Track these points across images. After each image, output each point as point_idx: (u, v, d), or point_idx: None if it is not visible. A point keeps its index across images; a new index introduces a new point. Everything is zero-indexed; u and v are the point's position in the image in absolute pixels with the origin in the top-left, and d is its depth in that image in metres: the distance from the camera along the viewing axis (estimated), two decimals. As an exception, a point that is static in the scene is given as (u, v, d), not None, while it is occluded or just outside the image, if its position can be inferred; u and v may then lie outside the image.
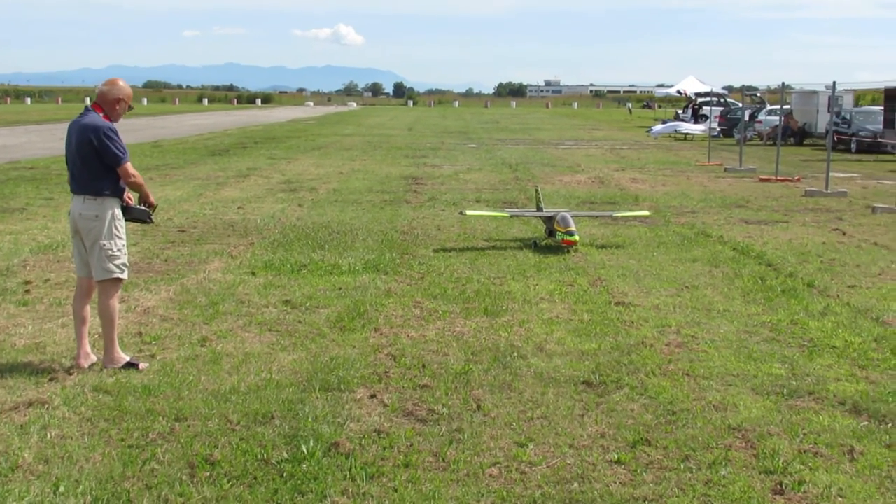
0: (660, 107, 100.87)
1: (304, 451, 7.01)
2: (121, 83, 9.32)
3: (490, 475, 6.74)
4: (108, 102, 9.20)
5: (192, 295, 12.22)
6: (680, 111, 71.27)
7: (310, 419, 7.71)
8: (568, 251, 15.53)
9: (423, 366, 9.29)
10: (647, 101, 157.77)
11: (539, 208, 17.57)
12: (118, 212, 9.18)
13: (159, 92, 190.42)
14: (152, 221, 9.72)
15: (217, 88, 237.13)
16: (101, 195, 9.04)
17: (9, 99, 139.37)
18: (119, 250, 9.16)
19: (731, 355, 9.73)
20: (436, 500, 6.36)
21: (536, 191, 18.60)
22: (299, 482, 6.56)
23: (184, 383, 8.65)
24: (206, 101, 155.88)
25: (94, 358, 9.29)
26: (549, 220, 16.43)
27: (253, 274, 13.61)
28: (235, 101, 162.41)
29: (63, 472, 6.71)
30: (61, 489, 6.43)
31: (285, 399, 8.21)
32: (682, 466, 6.86)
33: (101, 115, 9.13)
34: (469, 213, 18.16)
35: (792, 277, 13.63)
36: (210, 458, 6.93)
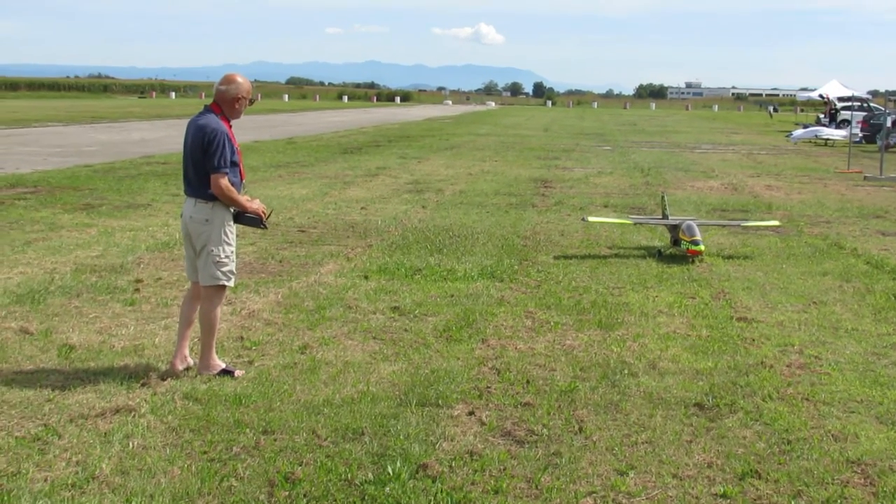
0: (802, 111, 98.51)
1: (391, 471, 6.69)
2: (239, 79, 9.03)
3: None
4: (227, 102, 8.96)
5: (300, 298, 12.01)
6: (821, 115, 69.33)
7: (401, 437, 7.39)
8: (693, 261, 14.96)
9: (528, 381, 8.90)
10: (763, 103, 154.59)
11: (665, 216, 17.01)
12: (229, 217, 8.95)
13: (301, 88, 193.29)
14: (266, 227, 9.35)
15: (358, 86, 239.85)
16: (213, 199, 8.83)
17: (154, 93, 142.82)
18: (227, 257, 8.94)
19: (855, 379, 9.13)
20: (523, 531, 5.98)
21: (662, 198, 18.03)
22: (380, 507, 6.24)
23: (277, 393, 8.41)
24: (346, 98, 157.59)
25: (190, 362, 9.12)
26: (674, 229, 15.86)
27: (366, 278, 13.36)
28: (375, 98, 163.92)
29: (139, 485, 6.49)
30: (133, 504, 6.22)
31: (379, 413, 7.89)
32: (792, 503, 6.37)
33: (220, 115, 8.90)
34: (592, 219, 17.61)
35: (929, 295, 12.89)
36: (291, 476, 6.65)
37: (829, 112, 67.45)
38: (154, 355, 9.51)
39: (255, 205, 9.06)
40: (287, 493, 6.44)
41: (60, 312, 11.12)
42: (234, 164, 8.85)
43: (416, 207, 21.49)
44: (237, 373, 8.92)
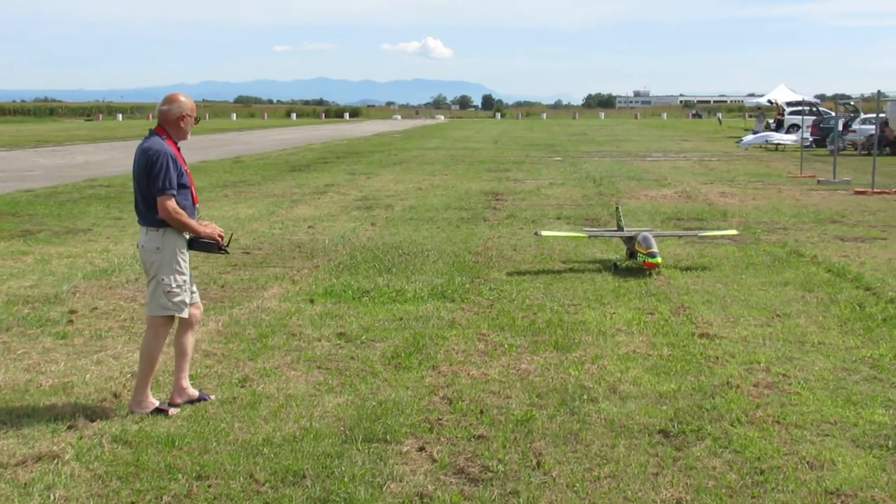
0: (751, 116, 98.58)
1: (333, 521, 6.13)
2: (181, 98, 8.55)
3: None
4: (171, 122, 8.47)
5: (241, 326, 11.42)
6: (770, 121, 69.38)
7: (345, 479, 6.83)
8: (650, 274, 14.49)
9: (482, 411, 8.36)
10: (695, 110, 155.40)
11: (620, 227, 16.53)
12: (182, 244, 8.45)
13: (248, 107, 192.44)
14: (225, 252, 8.86)
15: (307, 103, 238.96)
16: (163, 226, 8.34)
17: (101, 115, 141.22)
18: (179, 286, 8.41)
19: (827, 398, 8.65)
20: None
21: (617, 209, 17.53)
22: (322, 562, 5.68)
23: (214, 433, 7.83)
24: (294, 115, 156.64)
25: (192, 393, 8.68)
26: (629, 241, 15.39)
27: (311, 302, 12.80)
28: (323, 115, 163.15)
29: (58, 545, 5.90)
30: (54, 566, 5.63)
31: (322, 453, 7.32)
32: (770, 543, 5.87)
33: (165, 137, 8.42)
34: (545, 233, 17.08)
35: (893, 304, 12.46)
36: (226, 529, 6.08)
37: (777, 119, 67.62)
38: (84, 394, 8.90)
39: (210, 229, 8.59)
40: (220, 548, 5.87)
41: (-14, 349, 10.48)
42: (184, 187, 8.36)
43: (365, 225, 20.94)
44: (171, 411, 8.34)
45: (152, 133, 8.46)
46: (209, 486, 6.76)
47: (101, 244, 18.07)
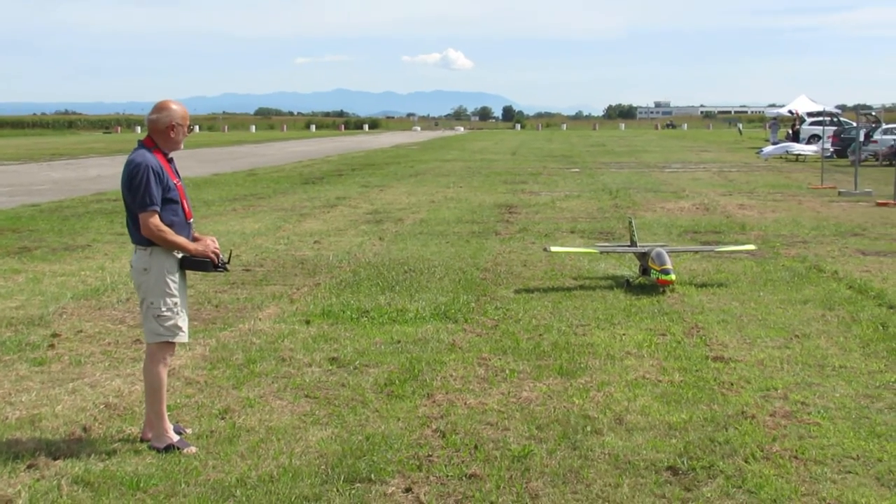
0: (768, 126, 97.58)
1: (302, 578, 5.52)
2: (172, 105, 7.93)
3: None
4: (160, 132, 7.87)
5: (228, 351, 10.84)
6: (790, 130, 68.60)
7: (321, 527, 6.23)
8: (663, 291, 13.84)
9: (476, 446, 7.75)
10: (731, 120, 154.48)
11: (633, 242, 15.88)
12: (173, 265, 7.84)
13: (268, 119, 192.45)
14: (224, 270, 8.18)
15: (327, 114, 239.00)
16: (150, 245, 7.77)
17: (119, 128, 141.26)
18: (170, 310, 7.80)
19: (848, 429, 8.01)
20: None
21: (630, 223, 16.85)
22: None
23: (184, 472, 7.24)
24: (313, 127, 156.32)
25: (173, 432, 8.01)
26: (643, 257, 14.76)
27: (307, 323, 12.22)
28: (343, 126, 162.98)
29: None
30: None
31: (298, 496, 6.73)
32: None
33: (153, 149, 7.83)
34: (554, 249, 16.48)
35: (920, 323, 11.81)
36: (183, 587, 5.48)
37: (793, 129, 66.92)
38: (52, 427, 8.32)
39: (202, 246, 7.95)
40: None
41: (-42, 377, 9.93)
42: (172, 202, 7.78)
43: (373, 239, 20.38)
44: (187, 450, 7.73)
45: (140, 145, 7.89)
46: (171, 536, 6.17)
47: (98, 261, 17.56)
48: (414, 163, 52.44)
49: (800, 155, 52.96)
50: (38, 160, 57.92)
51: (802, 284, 14.47)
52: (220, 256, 8.06)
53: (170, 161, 7.94)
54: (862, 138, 41.54)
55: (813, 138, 59.06)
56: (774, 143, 60.57)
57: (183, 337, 7.96)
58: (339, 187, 34.92)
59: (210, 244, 8.00)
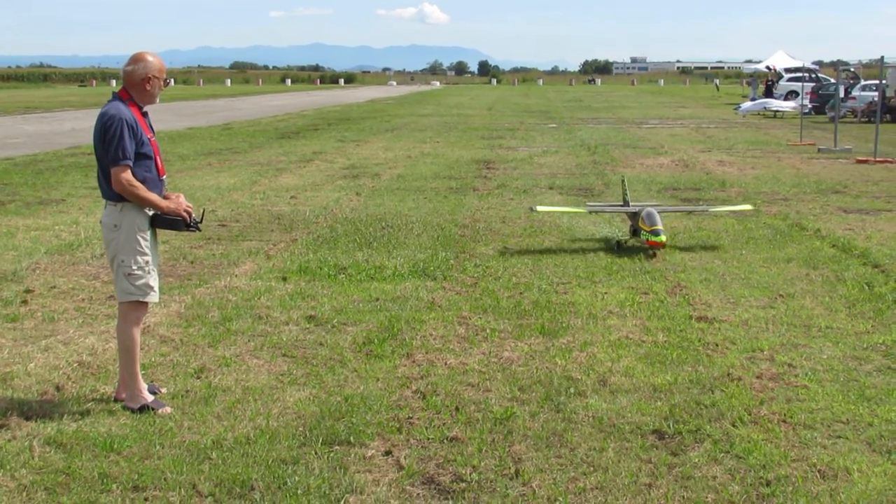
0: (748, 83, 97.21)
1: (279, 545, 5.35)
2: (149, 57, 7.65)
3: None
4: (136, 84, 7.59)
5: (204, 308, 10.62)
6: (765, 86, 68.44)
7: (298, 491, 6.05)
8: (653, 254, 13.56)
9: (458, 408, 7.58)
10: (708, 76, 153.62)
11: (625, 202, 15.54)
12: (144, 222, 7.57)
13: (244, 73, 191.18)
14: (196, 230, 7.89)
15: (302, 68, 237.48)
16: (121, 201, 7.49)
17: (94, 81, 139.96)
18: (140, 268, 7.54)
19: (837, 392, 7.86)
20: None
21: (623, 181, 16.53)
22: None
23: (159, 433, 7.05)
24: (289, 81, 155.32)
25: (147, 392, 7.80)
26: (633, 217, 14.40)
27: (284, 280, 12.01)
28: (318, 81, 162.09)
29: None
30: None
31: (276, 458, 6.54)
32: (779, 574, 5.09)
33: (128, 101, 7.55)
34: (541, 209, 15.90)
35: (904, 283, 11.68)
36: (157, 554, 5.30)
37: (766, 84, 66.83)
38: (24, 386, 8.11)
39: (174, 203, 7.68)
40: (148, 577, 5.10)
41: (-74, 334, 9.69)
42: (146, 157, 7.51)
43: (350, 195, 20.13)
44: (161, 410, 7.53)
45: (115, 97, 7.63)
46: (145, 500, 6.00)
47: (72, 216, 17.27)
48: (390, 118, 52.04)
49: (778, 111, 52.83)
50: (12, 113, 57.18)
51: (785, 243, 14.34)
52: (193, 215, 7.80)
53: (144, 115, 7.69)
54: (841, 94, 41.35)
55: (791, 94, 58.92)
56: (753, 100, 60.40)
57: (154, 297, 7.71)
58: (315, 142, 34.58)
59: (182, 202, 7.75)
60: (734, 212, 16.75)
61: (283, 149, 31.67)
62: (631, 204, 15.29)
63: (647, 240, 13.53)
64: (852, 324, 9.96)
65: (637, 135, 38.03)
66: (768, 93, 63.93)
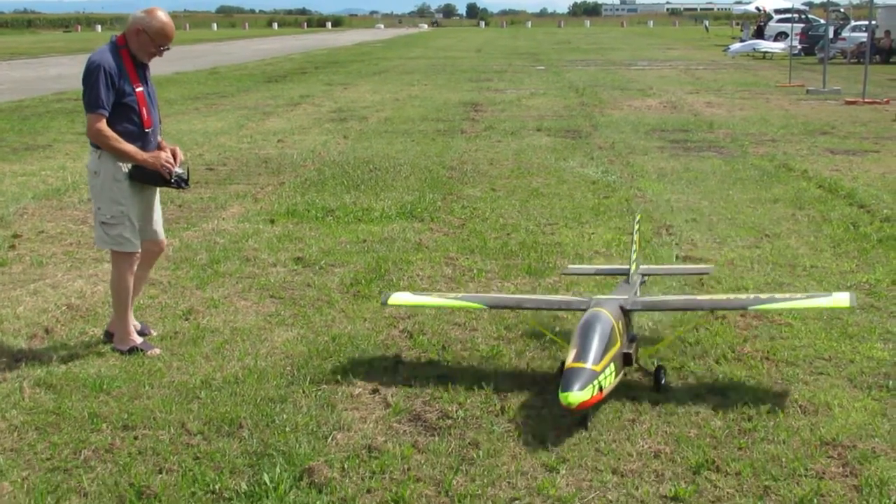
0: (737, 24, 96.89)
1: (268, 480, 5.41)
2: (158, 14, 7.39)
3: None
4: (130, 31, 7.40)
5: (192, 251, 10.65)
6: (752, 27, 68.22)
7: (287, 428, 6.11)
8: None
9: (444, 347, 7.66)
10: (698, 17, 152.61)
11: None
12: (121, 172, 7.42)
13: (230, 17, 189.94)
14: (177, 186, 7.63)
15: (290, 12, 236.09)
16: (100, 149, 7.40)
17: (79, 27, 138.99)
18: (114, 217, 7.43)
19: (820, 330, 7.93)
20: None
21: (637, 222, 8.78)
22: (250, 532, 4.98)
23: (148, 374, 7.11)
24: (276, 25, 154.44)
25: (133, 325, 7.84)
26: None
27: (271, 222, 12.05)
28: (306, 24, 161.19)
29: (-45, 511, 5.21)
30: (-55, 538, 4.94)
31: (264, 397, 6.60)
32: (759, 506, 5.17)
33: (122, 47, 7.39)
34: (392, 303, 7.82)
35: (889, 223, 11.72)
36: (146, 491, 5.38)
37: (757, 25, 66.58)
38: (13, 329, 8.17)
39: (153, 157, 7.43)
40: (138, 513, 5.18)
41: (-86, 278, 9.72)
42: (127, 108, 7.34)
43: (337, 138, 20.13)
44: (151, 352, 7.58)
45: (111, 41, 7.50)
46: (135, 438, 6.05)
47: (59, 161, 17.25)
48: (378, 61, 51.86)
49: (767, 52, 52.74)
50: (-3, 58, 56.86)
51: (772, 183, 14.38)
52: (176, 171, 7.55)
53: (138, 66, 7.48)
54: (831, 35, 41.26)
55: (780, 35, 58.72)
56: (744, 42, 60.20)
57: (130, 247, 7.56)
58: (302, 85, 34.47)
59: (162, 156, 7.48)
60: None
61: (271, 93, 31.57)
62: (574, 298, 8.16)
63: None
64: (837, 263, 10.03)
65: (626, 76, 37.95)
66: (759, 34, 63.69)
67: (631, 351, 6.64)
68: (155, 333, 7.97)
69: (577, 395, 5.88)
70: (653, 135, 20.23)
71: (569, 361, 6.18)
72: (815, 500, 5.19)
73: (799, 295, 7.13)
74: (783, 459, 5.63)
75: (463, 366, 7.24)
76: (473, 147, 18.62)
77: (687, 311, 7.82)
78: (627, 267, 8.05)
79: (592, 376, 6.02)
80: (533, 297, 8.23)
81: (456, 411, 6.39)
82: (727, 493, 5.30)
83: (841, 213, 12.26)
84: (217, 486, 5.41)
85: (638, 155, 17.23)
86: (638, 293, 7.77)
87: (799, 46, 50.80)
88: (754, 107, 26.06)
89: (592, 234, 11.40)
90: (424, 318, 8.33)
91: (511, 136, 20.01)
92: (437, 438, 6.02)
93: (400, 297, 7.61)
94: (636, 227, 8.25)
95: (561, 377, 6.12)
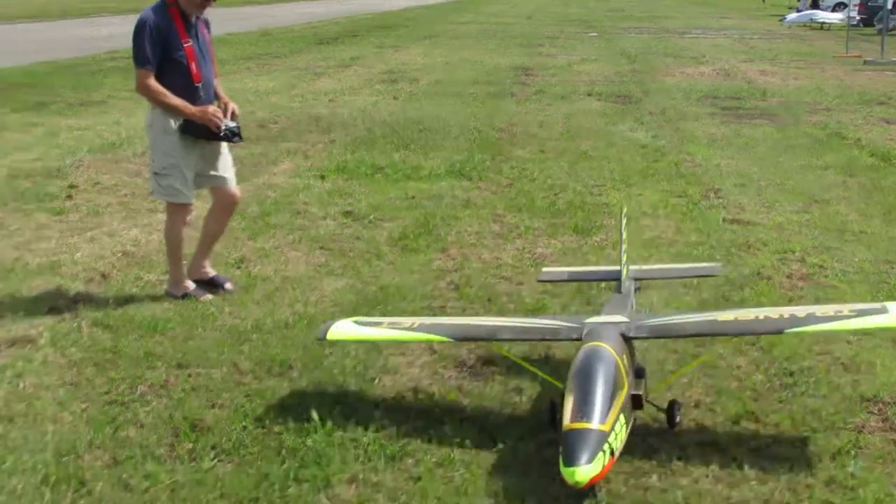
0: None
1: (316, 418, 5.56)
2: None
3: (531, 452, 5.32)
4: None
5: (244, 203, 10.63)
6: None
7: (335, 371, 6.29)
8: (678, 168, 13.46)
9: (490, 299, 7.79)
10: None
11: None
12: (171, 125, 7.58)
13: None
14: (226, 139, 7.77)
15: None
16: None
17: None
18: (164, 169, 7.65)
19: (866, 293, 7.95)
20: (468, 497, 4.88)
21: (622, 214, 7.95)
22: (298, 464, 5.13)
23: (201, 317, 7.31)
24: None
25: (206, 272, 8.16)
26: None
27: (322, 178, 12.20)
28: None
29: (20, 437, 5.43)
30: (7, 464, 5.12)
31: (313, 341, 6.73)
32: (797, 455, 5.25)
33: (170, 5, 7.53)
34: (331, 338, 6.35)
35: (942, 191, 11.69)
36: (199, 424, 5.57)
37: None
38: (71, 273, 8.41)
39: (200, 111, 7.55)
40: (191, 445, 5.36)
41: (-21, 225, 9.97)
42: (176, 63, 7.50)
43: (388, 99, 20.21)
44: (203, 298, 7.80)
45: None
46: (189, 376, 6.25)
47: (114, 116, 17.48)
48: (428, 24, 51.78)
49: (824, 23, 52.09)
50: (51, 18, 57.29)
51: (823, 151, 14.32)
52: (227, 124, 7.68)
53: (188, 22, 7.61)
54: (890, 6, 40.84)
55: (839, 6, 58.04)
56: (800, 12, 59.53)
57: (181, 198, 7.76)
58: (353, 48, 34.49)
59: (209, 109, 7.60)
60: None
61: (322, 54, 31.63)
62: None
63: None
64: (887, 230, 10.00)
65: (679, 44, 37.69)
66: (815, 4, 62.96)
67: (640, 392, 5.33)
68: (230, 287, 8.06)
69: (585, 471, 4.59)
70: (704, 101, 20.15)
71: (567, 420, 4.86)
72: (854, 452, 5.26)
73: (845, 310, 5.54)
74: (823, 413, 5.70)
75: (508, 317, 7.33)
76: (523, 110, 18.66)
77: (706, 336, 6.29)
78: (618, 269, 6.94)
79: (601, 439, 4.73)
80: (511, 322, 6.27)
81: (501, 359, 6.49)
82: (765, 442, 5.38)
83: (893, 182, 12.21)
84: (266, 422, 5.57)
85: (688, 121, 17.20)
86: (634, 305, 6.64)
87: (857, 17, 50.16)
88: (809, 76, 25.84)
89: (640, 195, 11.45)
90: (471, 271, 8.46)
91: (561, 100, 20.02)
92: (480, 384, 6.16)
93: (341, 330, 6.03)
94: (623, 221, 7.24)
95: (560, 442, 4.82)
